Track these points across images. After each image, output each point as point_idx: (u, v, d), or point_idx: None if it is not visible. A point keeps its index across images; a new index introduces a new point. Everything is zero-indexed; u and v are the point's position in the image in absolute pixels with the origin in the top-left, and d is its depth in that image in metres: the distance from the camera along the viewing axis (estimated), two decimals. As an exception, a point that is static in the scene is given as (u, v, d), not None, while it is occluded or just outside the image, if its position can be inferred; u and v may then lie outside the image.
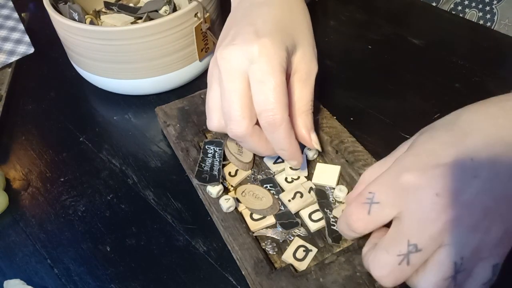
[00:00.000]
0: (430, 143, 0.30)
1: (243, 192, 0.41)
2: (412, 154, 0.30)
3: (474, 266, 0.28)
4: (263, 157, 0.44)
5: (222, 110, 0.37)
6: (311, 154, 0.43)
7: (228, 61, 0.36)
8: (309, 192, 0.40)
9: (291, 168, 0.42)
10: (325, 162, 0.43)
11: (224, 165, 0.43)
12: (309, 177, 0.42)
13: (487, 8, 0.62)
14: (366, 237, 0.33)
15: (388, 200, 0.30)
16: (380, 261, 0.29)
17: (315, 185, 0.42)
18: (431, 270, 0.28)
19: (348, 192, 0.40)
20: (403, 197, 0.29)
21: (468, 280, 0.28)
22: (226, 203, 0.39)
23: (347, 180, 0.42)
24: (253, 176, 0.43)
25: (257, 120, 0.37)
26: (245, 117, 0.36)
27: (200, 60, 0.53)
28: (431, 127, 0.32)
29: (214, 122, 0.39)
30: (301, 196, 0.40)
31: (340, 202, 0.40)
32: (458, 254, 0.27)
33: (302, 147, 0.41)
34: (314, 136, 0.39)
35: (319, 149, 0.40)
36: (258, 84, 0.35)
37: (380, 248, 0.30)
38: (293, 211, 0.39)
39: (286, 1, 0.41)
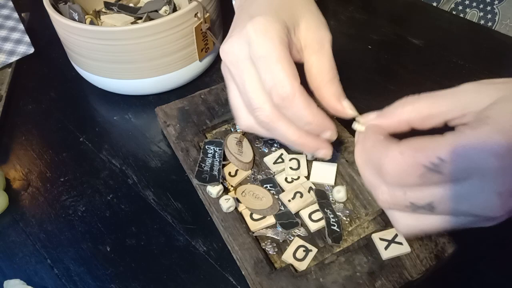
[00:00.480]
0: None
1: (243, 192, 0.41)
2: (503, 137, 0.26)
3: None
4: (263, 157, 0.44)
5: (244, 104, 0.36)
6: (311, 154, 0.43)
7: (231, 53, 0.35)
8: (309, 192, 0.40)
9: (291, 168, 0.42)
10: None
11: (224, 165, 0.43)
12: (308, 177, 0.42)
13: (488, 8, 0.62)
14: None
15: (454, 175, 0.26)
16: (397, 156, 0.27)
17: (314, 184, 0.42)
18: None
19: (346, 192, 0.40)
20: (468, 168, 0.26)
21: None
22: (226, 203, 0.39)
23: (347, 180, 0.42)
24: (253, 176, 0.43)
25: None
26: (265, 101, 0.34)
27: (200, 60, 0.53)
28: None
29: (242, 120, 0.37)
30: (301, 196, 0.40)
31: (340, 203, 0.40)
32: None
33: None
34: (346, 103, 0.36)
35: (356, 113, 0.36)
36: (260, 61, 0.33)
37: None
38: (293, 211, 0.39)
39: None
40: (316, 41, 0.36)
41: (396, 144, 0.28)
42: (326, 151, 0.36)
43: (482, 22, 0.63)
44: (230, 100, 0.38)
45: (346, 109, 0.35)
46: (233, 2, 0.47)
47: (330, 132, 0.35)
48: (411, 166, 0.27)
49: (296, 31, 0.36)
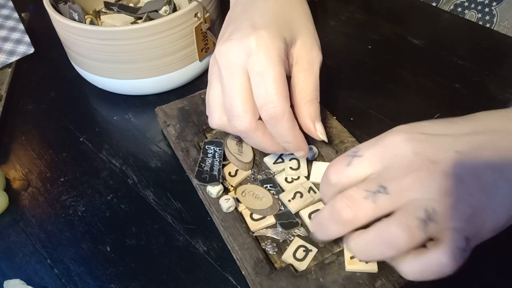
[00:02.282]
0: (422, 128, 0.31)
1: (243, 192, 0.41)
2: (405, 131, 0.31)
3: (445, 229, 0.27)
4: (263, 157, 0.44)
5: (224, 107, 0.37)
6: (311, 154, 0.43)
7: (227, 56, 0.35)
8: (309, 192, 0.40)
9: (291, 168, 0.42)
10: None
11: (224, 165, 0.43)
12: (308, 177, 0.42)
13: (487, 9, 0.62)
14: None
15: (368, 152, 0.30)
16: (346, 193, 0.29)
17: (314, 184, 0.42)
18: (403, 211, 0.28)
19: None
20: (384, 154, 0.30)
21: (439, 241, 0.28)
22: (226, 203, 0.39)
23: (347, 180, 0.42)
24: (253, 176, 0.43)
25: (260, 117, 0.36)
26: (247, 112, 0.35)
27: (200, 60, 0.53)
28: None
29: (215, 119, 0.38)
30: (301, 196, 0.40)
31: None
32: (429, 205, 0.27)
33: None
34: (319, 126, 0.38)
35: (325, 139, 0.39)
36: (257, 76, 0.34)
37: (352, 187, 0.30)
38: (293, 211, 0.39)
39: None
40: (307, 60, 0.38)
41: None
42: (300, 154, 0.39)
43: (480, 23, 0.63)
44: (208, 96, 0.39)
45: (317, 132, 0.38)
46: None
47: (303, 153, 0.38)
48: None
49: (292, 47, 0.37)
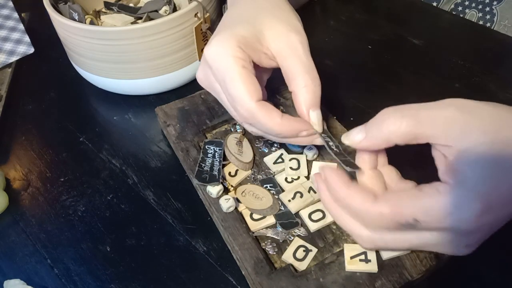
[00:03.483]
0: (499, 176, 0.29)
1: (243, 192, 0.41)
2: (481, 202, 0.28)
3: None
4: (263, 157, 0.44)
5: (229, 99, 0.36)
6: (311, 154, 0.43)
7: (201, 80, 0.39)
8: (309, 192, 0.40)
9: (291, 168, 0.42)
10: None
11: (224, 165, 0.43)
12: (308, 177, 0.42)
13: (487, 9, 0.62)
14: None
15: (428, 229, 0.30)
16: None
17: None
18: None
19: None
20: (446, 221, 0.29)
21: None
22: (226, 203, 0.39)
23: (347, 180, 0.42)
24: (253, 176, 0.43)
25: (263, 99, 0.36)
26: (246, 94, 0.34)
27: (200, 60, 0.53)
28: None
29: (200, 73, 0.39)
30: (301, 196, 0.40)
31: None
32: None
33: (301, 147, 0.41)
34: (313, 114, 0.36)
35: (318, 130, 0.37)
36: (220, 84, 0.35)
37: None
38: (293, 211, 0.39)
39: (261, 0, 0.40)
40: (285, 47, 0.36)
41: (376, 203, 0.30)
42: (307, 135, 0.37)
43: (481, 22, 0.63)
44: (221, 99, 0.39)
45: (311, 120, 0.36)
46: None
47: (306, 132, 0.36)
48: (390, 223, 0.30)
49: (262, 41, 0.36)
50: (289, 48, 0.36)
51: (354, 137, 0.33)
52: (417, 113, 0.30)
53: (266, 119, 0.34)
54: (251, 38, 0.36)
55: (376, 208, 0.30)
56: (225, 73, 0.34)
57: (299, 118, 0.36)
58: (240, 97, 0.34)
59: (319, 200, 0.40)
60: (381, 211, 0.30)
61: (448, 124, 0.29)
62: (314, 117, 0.36)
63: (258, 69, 0.37)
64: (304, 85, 0.36)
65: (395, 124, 0.31)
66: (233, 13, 0.40)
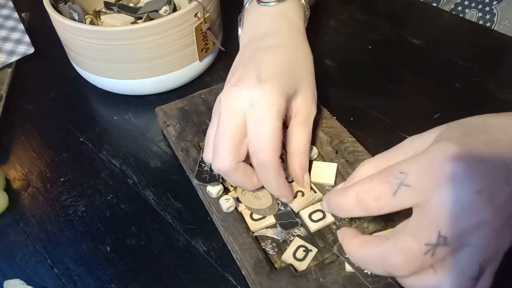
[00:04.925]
0: (471, 139, 0.29)
1: (243, 191, 0.41)
2: (457, 144, 0.28)
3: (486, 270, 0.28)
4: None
5: (214, 142, 0.38)
6: (311, 154, 0.43)
7: (230, 101, 0.37)
8: (311, 190, 0.40)
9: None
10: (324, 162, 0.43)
11: (224, 165, 0.43)
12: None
13: (487, 8, 0.62)
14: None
15: (421, 184, 0.28)
16: (404, 247, 0.28)
17: (314, 184, 0.42)
18: (457, 269, 0.27)
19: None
20: (439, 185, 0.27)
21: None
22: (226, 203, 0.39)
23: (347, 180, 0.42)
24: (253, 176, 0.43)
25: (246, 159, 0.38)
26: (231, 153, 0.37)
27: (200, 60, 0.53)
28: (457, 126, 0.31)
29: (209, 154, 0.40)
30: (303, 194, 0.40)
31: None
32: (482, 255, 0.27)
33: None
34: (306, 177, 0.41)
35: (309, 190, 0.41)
36: (255, 126, 0.36)
37: (405, 233, 0.28)
38: (296, 210, 0.39)
39: (292, 44, 0.43)
40: (305, 115, 0.41)
41: (387, 241, 0.29)
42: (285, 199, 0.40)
43: (481, 22, 0.63)
44: (208, 132, 0.41)
45: (304, 182, 0.40)
46: (239, 33, 0.49)
47: (286, 200, 0.40)
48: (416, 258, 0.28)
49: (293, 100, 0.40)
50: (306, 117, 0.41)
51: (335, 189, 0.36)
52: (387, 151, 0.34)
53: (275, 174, 0.37)
54: (291, 95, 0.39)
55: (393, 243, 0.29)
56: (266, 123, 0.36)
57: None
58: (267, 148, 0.36)
59: (320, 200, 0.40)
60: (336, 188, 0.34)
61: (410, 144, 0.33)
62: (307, 179, 0.41)
63: None
64: (303, 151, 0.40)
65: (369, 161, 0.34)
66: (277, 57, 0.40)
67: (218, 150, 0.37)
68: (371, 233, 0.37)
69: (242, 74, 0.39)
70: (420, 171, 0.28)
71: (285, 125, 0.40)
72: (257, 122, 0.36)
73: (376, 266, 0.30)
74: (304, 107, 0.41)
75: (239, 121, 0.37)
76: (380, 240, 0.30)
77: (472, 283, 0.27)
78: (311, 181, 0.42)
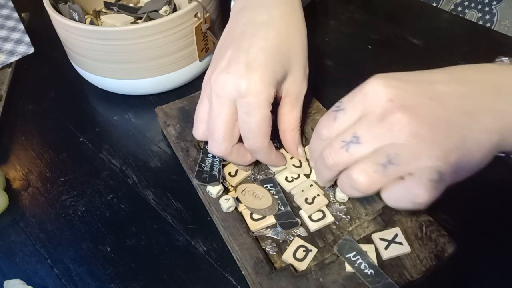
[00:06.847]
0: (399, 75, 0.33)
1: (243, 190, 0.41)
2: (382, 76, 0.33)
3: (411, 168, 0.30)
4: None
5: (207, 126, 0.40)
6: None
7: (221, 87, 0.38)
8: (311, 186, 0.41)
9: (294, 165, 0.42)
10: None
11: (224, 165, 0.43)
12: (309, 176, 0.42)
13: (487, 9, 0.62)
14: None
15: (350, 105, 0.33)
16: (330, 144, 0.33)
17: (315, 182, 0.42)
18: (366, 159, 0.32)
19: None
20: (363, 103, 0.32)
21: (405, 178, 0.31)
22: (226, 203, 0.39)
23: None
24: (253, 176, 0.43)
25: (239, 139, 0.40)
26: (225, 140, 0.39)
27: (200, 60, 0.53)
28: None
29: (199, 132, 0.42)
30: (300, 165, 0.43)
31: (343, 203, 0.40)
32: (394, 150, 0.30)
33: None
34: (301, 150, 0.43)
35: (304, 160, 0.43)
36: (244, 115, 0.38)
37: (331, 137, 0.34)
38: (312, 230, 0.39)
39: (285, 19, 0.42)
40: (295, 94, 0.42)
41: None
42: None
43: (481, 22, 0.63)
44: (197, 110, 0.42)
45: (299, 154, 0.43)
46: (232, 3, 0.47)
47: (280, 168, 0.43)
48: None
49: (284, 82, 0.41)
50: (296, 96, 0.42)
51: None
52: None
53: (266, 155, 0.40)
54: (280, 79, 0.40)
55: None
56: (255, 112, 0.37)
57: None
58: (257, 135, 0.38)
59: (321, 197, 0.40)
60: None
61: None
62: (301, 152, 0.43)
63: None
64: (295, 127, 0.42)
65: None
66: (267, 37, 0.40)
67: (214, 136, 0.39)
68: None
69: (232, 57, 0.39)
70: (348, 97, 0.34)
71: (276, 102, 0.41)
72: (246, 111, 0.38)
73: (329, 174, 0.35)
74: (294, 88, 0.41)
75: (231, 108, 0.38)
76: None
77: (379, 168, 0.31)
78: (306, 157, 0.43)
